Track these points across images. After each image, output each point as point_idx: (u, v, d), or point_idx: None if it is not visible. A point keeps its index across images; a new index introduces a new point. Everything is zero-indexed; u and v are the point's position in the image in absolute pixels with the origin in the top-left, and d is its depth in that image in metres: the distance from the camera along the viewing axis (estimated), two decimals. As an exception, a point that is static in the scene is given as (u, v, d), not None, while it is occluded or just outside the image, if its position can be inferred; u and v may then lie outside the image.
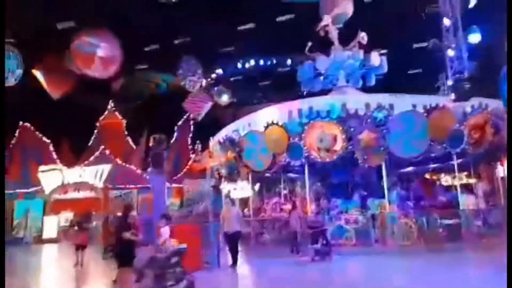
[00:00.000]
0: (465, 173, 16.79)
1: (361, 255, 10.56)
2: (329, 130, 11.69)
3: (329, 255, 9.86)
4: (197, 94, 28.68)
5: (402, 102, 11.85)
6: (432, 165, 14.68)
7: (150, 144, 9.01)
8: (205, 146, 31.34)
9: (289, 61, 25.68)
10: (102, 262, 13.09)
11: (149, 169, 8.72)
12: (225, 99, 31.11)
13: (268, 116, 13.17)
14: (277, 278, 8.62)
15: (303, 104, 13.19)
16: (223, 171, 13.33)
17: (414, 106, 11.83)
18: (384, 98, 12.49)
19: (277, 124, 12.48)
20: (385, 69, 16.23)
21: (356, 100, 12.63)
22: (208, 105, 28.53)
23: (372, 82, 16.64)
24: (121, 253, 7.51)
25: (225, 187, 24.98)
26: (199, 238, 8.97)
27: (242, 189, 23.90)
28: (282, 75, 26.53)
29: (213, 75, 28.50)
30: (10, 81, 19.45)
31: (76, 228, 12.90)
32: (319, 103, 13.15)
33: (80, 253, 11.74)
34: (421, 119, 11.34)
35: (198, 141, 33.07)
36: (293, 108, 13.08)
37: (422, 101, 12.19)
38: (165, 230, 7.13)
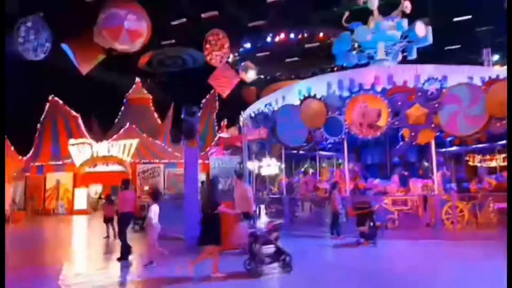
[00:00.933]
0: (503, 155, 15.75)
1: (407, 240, 9.72)
2: (373, 104, 10.63)
3: (374, 239, 9.08)
4: (223, 70, 28.28)
5: (456, 74, 10.69)
6: (474, 146, 13.49)
7: (182, 116, 8.61)
8: (231, 123, 31.19)
9: (321, 34, 24.55)
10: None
11: (182, 142, 8.39)
12: (251, 75, 30.58)
13: (305, 89, 12.26)
14: (320, 262, 8.01)
15: (344, 76, 12.22)
16: (254, 147, 12.77)
17: (470, 78, 10.65)
18: (436, 69, 11.20)
19: (314, 97, 11.50)
20: (430, 40, 14.62)
21: (403, 71, 11.47)
22: (234, 82, 28.14)
23: (414, 55, 15.23)
24: (207, 229, 6.44)
25: (252, 164, 24.81)
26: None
27: (268, 166, 23.70)
28: (313, 49, 25.53)
29: (241, 49, 27.78)
30: (39, 55, 19.61)
31: (104, 201, 12.97)
32: (362, 75, 12.09)
33: (110, 225, 11.82)
34: (478, 93, 9.94)
35: (225, 118, 32.89)
36: (333, 80, 12.12)
37: (479, 72, 10.98)
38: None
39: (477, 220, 10.17)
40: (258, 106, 12.87)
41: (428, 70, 11.15)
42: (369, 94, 10.59)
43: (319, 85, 11.75)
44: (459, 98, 9.83)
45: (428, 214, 10.41)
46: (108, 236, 11.75)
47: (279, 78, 30.62)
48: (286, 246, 6.96)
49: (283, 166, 15.85)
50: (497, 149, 14.90)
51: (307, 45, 29.54)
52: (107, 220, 12.00)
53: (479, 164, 15.71)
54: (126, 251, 8.33)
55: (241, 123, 13.00)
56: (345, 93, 11.26)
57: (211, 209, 6.44)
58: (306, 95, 11.46)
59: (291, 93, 12.52)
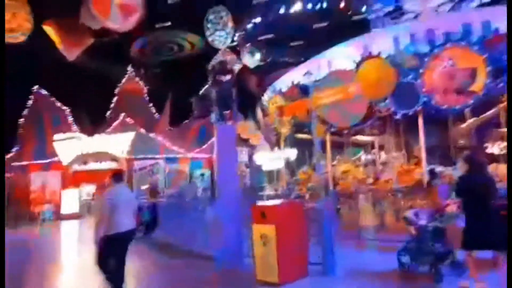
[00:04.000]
0: None
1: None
2: (464, 61, 7.67)
3: None
4: (223, 55, 25.53)
5: None
6: None
7: (211, 78, 5.91)
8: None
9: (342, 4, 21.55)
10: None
11: (212, 114, 5.71)
12: (257, 58, 27.81)
13: (361, 48, 8.90)
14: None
15: (418, 27, 8.86)
16: (284, 130, 9.99)
17: None
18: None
19: (378, 56, 8.33)
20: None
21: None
22: (235, 68, 25.41)
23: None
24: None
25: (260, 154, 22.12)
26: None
27: (278, 159, 20.98)
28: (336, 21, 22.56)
29: (250, 26, 24.95)
30: (19, 38, 16.69)
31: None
32: (447, 21, 8.86)
33: None
34: None
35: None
36: (400, 33, 8.49)
37: None
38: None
39: None
40: (290, 78, 9.96)
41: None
42: (459, 47, 7.72)
43: (381, 41, 8.70)
44: None
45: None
46: None
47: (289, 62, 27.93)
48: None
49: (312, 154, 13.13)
50: None
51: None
52: None
53: None
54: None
55: (264, 101, 10.24)
56: (422, 48, 8.25)
57: None
58: (364, 55, 8.54)
59: (340, 55, 9.53)
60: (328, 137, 9.87)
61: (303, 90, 8.75)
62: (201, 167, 24.83)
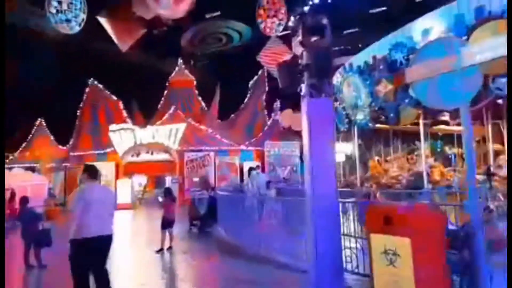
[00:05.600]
0: None
1: None
2: None
3: None
4: (273, 44, 24.54)
5: None
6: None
7: (300, 38, 4.88)
8: (285, 104, 27.54)
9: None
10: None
11: (302, 85, 4.69)
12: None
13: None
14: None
15: None
16: (360, 117, 8.71)
17: None
18: None
19: (501, 17, 6.10)
20: None
21: None
22: (286, 57, 24.35)
23: None
24: None
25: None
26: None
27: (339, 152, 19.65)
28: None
29: (306, 8, 23.73)
30: (74, 28, 16.81)
31: (161, 196, 9.75)
32: None
33: (167, 232, 8.39)
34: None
35: (277, 99, 29.22)
36: None
37: None
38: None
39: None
40: (374, 51, 8.52)
41: None
42: None
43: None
44: None
45: None
46: (162, 249, 8.23)
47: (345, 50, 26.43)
48: None
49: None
50: None
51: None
52: (167, 224, 8.52)
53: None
54: None
55: (336, 81, 8.97)
56: None
57: None
58: (482, 15, 6.79)
59: (441, 19, 7.93)
60: (421, 124, 8.43)
61: (390, 66, 7.50)
62: (252, 159, 24.11)
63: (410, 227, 3.38)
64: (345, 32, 28.38)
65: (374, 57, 8.14)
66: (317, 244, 4.27)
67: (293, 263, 5.93)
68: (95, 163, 21.99)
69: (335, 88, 9.07)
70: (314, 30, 4.58)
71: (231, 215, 8.67)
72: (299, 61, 4.77)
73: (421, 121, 8.32)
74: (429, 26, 8.03)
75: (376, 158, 11.73)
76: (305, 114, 4.61)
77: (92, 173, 4.61)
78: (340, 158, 19.28)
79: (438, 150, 12.66)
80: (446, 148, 12.78)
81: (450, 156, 12.03)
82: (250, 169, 10.65)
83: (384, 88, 7.53)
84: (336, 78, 9.45)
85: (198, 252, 8.78)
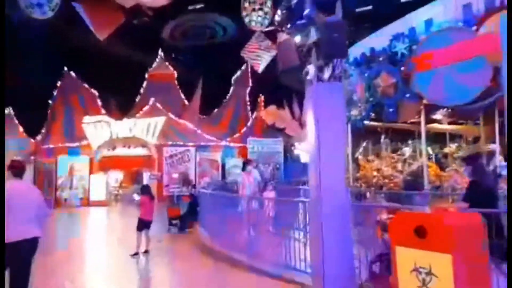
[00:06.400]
0: None
1: None
2: None
3: None
4: (258, 40, 23.88)
5: None
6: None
7: (311, 14, 4.19)
8: (269, 99, 26.93)
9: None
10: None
11: (309, 66, 4.02)
12: (297, 40, 26.02)
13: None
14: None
15: None
16: (355, 113, 8.02)
17: None
18: None
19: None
20: None
21: None
22: (270, 54, 23.72)
23: None
24: None
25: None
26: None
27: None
28: None
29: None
30: (47, 13, 15.66)
31: (137, 194, 8.86)
32: None
33: (144, 233, 7.47)
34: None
35: (260, 95, 28.60)
36: None
37: None
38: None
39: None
40: (372, 43, 7.93)
41: None
42: None
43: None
44: None
45: None
46: (137, 253, 7.29)
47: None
48: None
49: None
50: None
51: None
52: (144, 226, 7.62)
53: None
54: None
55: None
56: None
57: None
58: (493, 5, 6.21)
59: (445, 9, 7.37)
60: (422, 122, 7.77)
61: (391, 58, 6.94)
62: (234, 155, 23.40)
63: (450, 240, 2.65)
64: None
65: (372, 49, 7.57)
66: (325, 251, 3.62)
67: (288, 273, 5.26)
68: (66, 157, 20.84)
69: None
70: (324, 5, 3.95)
71: (215, 215, 7.96)
72: (305, 41, 4.12)
73: (422, 118, 7.78)
74: (432, 16, 7.56)
75: (369, 156, 11.22)
76: (311, 100, 3.94)
77: (16, 170, 4.04)
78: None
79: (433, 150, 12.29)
80: (438, 149, 12.43)
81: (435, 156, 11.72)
82: (245, 163, 9.39)
83: (384, 81, 6.96)
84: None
85: (178, 255, 8.02)
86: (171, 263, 7.38)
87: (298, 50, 4.23)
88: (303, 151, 18.01)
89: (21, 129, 24.14)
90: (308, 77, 4.14)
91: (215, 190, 11.32)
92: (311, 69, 4.06)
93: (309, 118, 4.02)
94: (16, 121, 24.11)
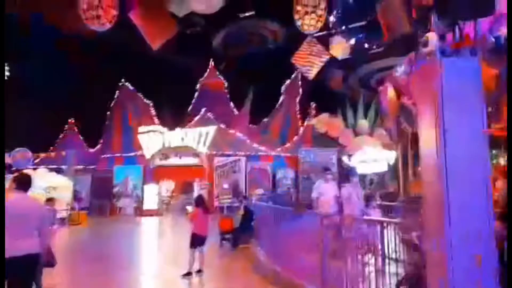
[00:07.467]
0: None
1: None
2: None
3: None
4: (309, 45, 23.13)
5: None
6: None
7: None
8: (321, 107, 26.02)
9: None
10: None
11: (429, 37, 3.07)
12: (345, 50, 24.90)
13: None
14: None
15: None
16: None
17: None
18: None
19: None
20: None
21: None
22: (322, 60, 22.83)
23: None
24: None
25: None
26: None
27: (375, 161, 17.87)
28: None
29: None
30: (105, 25, 16.22)
31: (190, 206, 8.43)
32: None
33: (197, 251, 6.74)
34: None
35: (312, 102, 27.76)
36: None
37: None
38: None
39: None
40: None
41: None
42: None
43: None
44: None
45: None
46: (190, 273, 6.64)
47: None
48: None
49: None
50: None
51: None
52: (198, 242, 6.84)
53: None
54: None
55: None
56: None
57: None
58: None
59: None
60: None
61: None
62: (284, 166, 22.69)
63: None
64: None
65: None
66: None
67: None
68: (122, 167, 21.27)
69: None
70: None
71: (275, 232, 6.89)
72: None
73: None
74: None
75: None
76: (431, 83, 2.87)
77: (21, 183, 3.86)
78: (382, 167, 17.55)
79: None
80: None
81: None
82: (325, 170, 8.07)
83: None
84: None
85: (232, 272, 7.44)
86: (223, 280, 6.82)
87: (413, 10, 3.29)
88: (361, 161, 16.87)
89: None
90: (426, 49, 3.18)
91: (271, 202, 10.66)
92: (431, 37, 3.11)
93: (422, 108, 3.07)
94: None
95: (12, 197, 3.76)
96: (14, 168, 19.25)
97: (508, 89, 3.68)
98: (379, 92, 9.93)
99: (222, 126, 23.47)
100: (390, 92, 8.58)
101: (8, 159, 19.74)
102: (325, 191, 7.20)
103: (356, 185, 7.26)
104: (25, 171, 17.05)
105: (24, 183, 3.87)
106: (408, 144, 8.76)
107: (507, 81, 3.62)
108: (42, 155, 22.90)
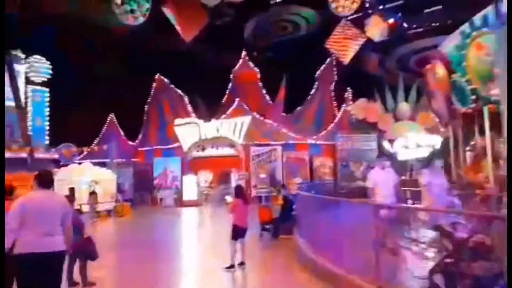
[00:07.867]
0: None
1: None
2: None
3: None
4: (343, 29, 22.28)
5: None
6: None
7: None
8: (358, 93, 25.25)
9: None
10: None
11: None
12: (383, 31, 23.83)
13: None
14: None
15: None
16: (496, 92, 6.12)
17: None
18: None
19: None
20: None
21: None
22: (358, 42, 21.93)
23: None
24: None
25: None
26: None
27: (418, 146, 17.05)
28: None
29: None
30: (139, 19, 16.42)
31: (229, 196, 8.43)
32: None
33: (239, 243, 6.67)
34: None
35: (348, 88, 27.03)
36: None
37: None
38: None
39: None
40: None
41: None
42: None
43: None
44: None
45: None
46: (233, 266, 6.59)
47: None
48: None
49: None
50: None
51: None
52: (239, 233, 6.75)
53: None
54: None
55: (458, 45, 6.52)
56: None
57: None
58: None
59: None
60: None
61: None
62: (321, 154, 22.34)
63: None
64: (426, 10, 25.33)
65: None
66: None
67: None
68: (161, 159, 21.77)
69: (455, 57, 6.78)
70: None
71: (320, 224, 6.59)
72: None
73: None
74: None
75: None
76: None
77: (42, 180, 3.86)
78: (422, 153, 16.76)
79: None
80: None
81: None
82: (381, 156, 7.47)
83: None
84: (456, 41, 7.23)
85: (274, 264, 7.38)
86: (264, 272, 6.78)
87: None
88: (403, 147, 16.18)
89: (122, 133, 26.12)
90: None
91: (313, 191, 10.45)
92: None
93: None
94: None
95: (35, 194, 3.80)
96: (61, 163, 20.28)
97: (508, 89, 3.95)
98: (424, 72, 9.35)
99: (257, 115, 23.39)
100: (440, 69, 8.05)
101: (54, 154, 20.77)
102: (383, 179, 6.58)
103: (438, 170, 6.33)
104: (71, 165, 17.98)
105: (46, 180, 3.90)
106: (461, 124, 8.20)
107: (507, 81, 3.98)
108: (86, 149, 23.89)
